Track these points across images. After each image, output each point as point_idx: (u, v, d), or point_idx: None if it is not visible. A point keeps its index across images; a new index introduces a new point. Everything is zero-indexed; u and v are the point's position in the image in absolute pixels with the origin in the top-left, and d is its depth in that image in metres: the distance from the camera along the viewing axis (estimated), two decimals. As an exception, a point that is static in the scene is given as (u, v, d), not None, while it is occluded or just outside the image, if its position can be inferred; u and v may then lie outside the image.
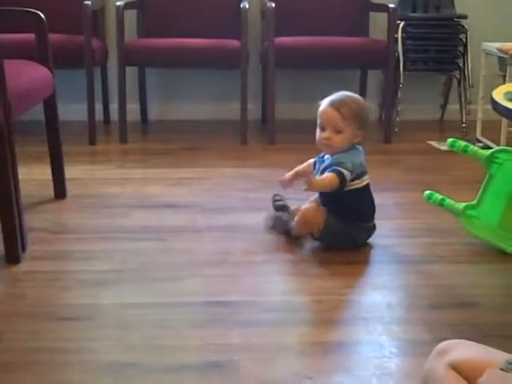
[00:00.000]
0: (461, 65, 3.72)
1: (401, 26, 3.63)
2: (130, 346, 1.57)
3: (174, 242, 2.18)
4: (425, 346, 1.51)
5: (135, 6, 3.72)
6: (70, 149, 2.89)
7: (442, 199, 2.18)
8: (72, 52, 3.37)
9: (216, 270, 1.97)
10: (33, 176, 2.75)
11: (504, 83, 3.14)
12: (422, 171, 3.02)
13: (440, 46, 3.73)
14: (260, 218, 2.29)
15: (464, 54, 3.70)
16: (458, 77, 3.77)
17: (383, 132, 3.56)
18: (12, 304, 1.77)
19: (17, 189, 2.02)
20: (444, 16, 3.77)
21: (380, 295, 1.84)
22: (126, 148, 3.41)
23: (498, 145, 3.19)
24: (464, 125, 3.70)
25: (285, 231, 2.18)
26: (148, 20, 3.76)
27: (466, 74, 3.71)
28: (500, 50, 3.32)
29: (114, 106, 3.68)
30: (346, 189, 2.07)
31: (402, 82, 3.64)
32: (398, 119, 3.68)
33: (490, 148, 2.55)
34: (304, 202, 2.22)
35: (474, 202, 2.16)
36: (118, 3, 3.37)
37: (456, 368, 1.01)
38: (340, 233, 2.09)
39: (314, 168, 2.23)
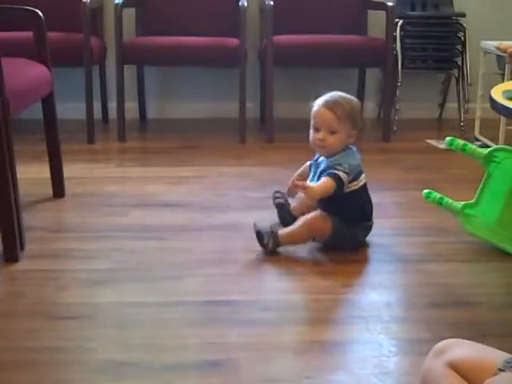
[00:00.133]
0: (459, 63, 3.73)
1: (399, 24, 3.63)
2: (129, 344, 1.57)
3: (173, 240, 2.18)
4: (423, 344, 1.51)
5: (134, 4, 3.71)
6: (68, 147, 2.89)
7: (441, 198, 2.19)
8: (70, 50, 3.37)
9: (215, 269, 1.97)
10: (31, 175, 2.74)
11: (502, 81, 3.14)
12: (421, 170, 3.02)
13: (438, 45, 3.73)
14: (259, 216, 2.29)
15: (462, 52, 3.70)
16: (457, 75, 3.77)
17: (381, 130, 3.56)
18: (10, 303, 1.77)
19: (15, 187, 2.02)
20: (442, 14, 3.77)
21: (379, 294, 1.84)
22: (125, 146, 3.41)
23: (497, 143, 3.18)
24: (462, 123, 3.70)
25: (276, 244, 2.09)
26: (146, 18, 3.76)
27: (465, 72, 3.71)
28: (498, 49, 3.32)
29: (112, 105, 3.68)
30: (346, 191, 2.06)
31: (400, 80, 3.64)
32: (396, 118, 3.68)
33: (489, 146, 2.56)
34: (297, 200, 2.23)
35: (473, 200, 2.16)
36: (116, 1, 3.37)
37: (454, 367, 1.01)
38: (345, 234, 2.09)
39: (310, 172, 2.22)
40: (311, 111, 2.13)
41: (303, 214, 2.25)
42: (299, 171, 2.29)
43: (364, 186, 2.13)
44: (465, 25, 3.68)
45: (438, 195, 2.19)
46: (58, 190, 2.57)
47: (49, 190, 2.56)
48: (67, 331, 1.62)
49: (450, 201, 2.18)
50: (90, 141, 3.42)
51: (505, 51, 3.25)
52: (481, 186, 2.16)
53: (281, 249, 2.08)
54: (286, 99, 3.81)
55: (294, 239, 2.09)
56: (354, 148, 2.15)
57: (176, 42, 3.42)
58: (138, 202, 2.54)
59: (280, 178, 2.32)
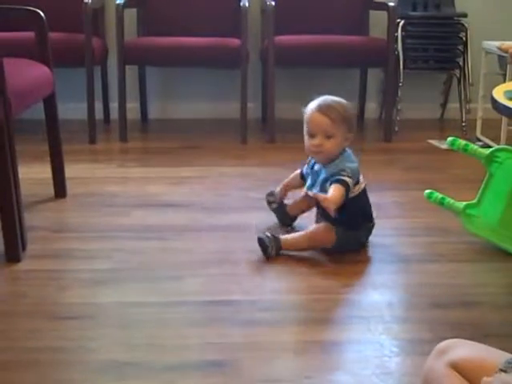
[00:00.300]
0: (461, 63, 3.72)
1: (401, 24, 3.63)
2: (130, 344, 1.57)
3: (174, 241, 2.18)
4: (425, 345, 1.51)
5: (135, 4, 3.72)
6: (70, 147, 2.90)
7: (443, 198, 2.19)
8: (72, 51, 3.37)
9: (217, 269, 1.97)
10: (33, 175, 2.75)
11: (504, 82, 3.15)
12: (422, 170, 3.02)
13: (440, 45, 3.73)
14: (260, 217, 2.29)
15: (464, 52, 3.70)
16: (458, 75, 3.77)
17: (383, 131, 3.56)
18: (12, 303, 1.77)
19: (17, 187, 2.02)
20: (444, 14, 3.77)
21: (380, 294, 1.84)
22: (126, 147, 3.41)
23: (498, 143, 3.18)
24: (464, 123, 3.70)
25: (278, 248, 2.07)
26: (148, 19, 3.76)
27: (466, 72, 3.71)
28: (500, 49, 3.32)
29: (114, 105, 3.68)
30: (349, 196, 2.03)
31: (401, 80, 3.64)
32: (398, 118, 3.68)
33: (490, 147, 2.56)
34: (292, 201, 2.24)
35: (475, 200, 2.16)
36: (118, 2, 3.37)
37: (456, 367, 1.01)
38: (349, 240, 2.07)
39: (304, 180, 2.19)
40: (304, 117, 2.09)
41: (302, 211, 2.27)
42: (289, 178, 2.28)
43: (364, 189, 2.11)
44: (466, 25, 3.68)
45: (440, 195, 2.19)
46: (60, 190, 2.57)
47: (50, 190, 2.56)
48: (69, 331, 1.62)
49: (452, 201, 2.18)
50: (92, 141, 3.42)
51: (506, 51, 3.25)
52: (482, 186, 2.16)
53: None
54: (287, 99, 3.81)
55: (295, 248, 2.07)
56: (350, 150, 2.12)
57: (177, 42, 3.42)
58: (140, 202, 2.54)
59: (281, 178, 2.32)
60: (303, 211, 2.28)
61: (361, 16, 3.81)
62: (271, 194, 2.32)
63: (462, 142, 2.15)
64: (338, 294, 1.84)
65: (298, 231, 2.15)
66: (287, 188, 2.29)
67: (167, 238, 2.19)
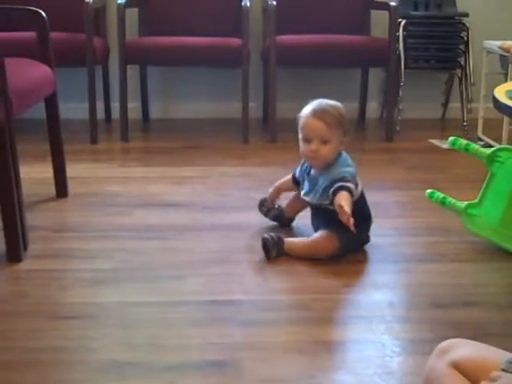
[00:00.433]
0: (462, 63, 3.72)
1: (402, 24, 3.63)
2: (131, 344, 1.57)
3: (175, 240, 2.18)
4: (427, 344, 1.51)
5: (136, 4, 3.72)
6: (71, 147, 2.90)
7: (444, 198, 2.18)
8: (73, 50, 3.37)
9: (218, 268, 1.97)
10: (34, 174, 2.75)
11: (506, 81, 3.14)
12: (424, 170, 3.02)
13: (441, 44, 3.73)
14: (261, 216, 2.29)
15: (465, 52, 3.70)
16: (460, 75, 3.77)
17: (385, 130, 3.56)
18: (14, 303, 1.77)
19: (18, 187, 2.02)
20: (445, 14, 3.77)
21: (381, 294, 1.84)
22: (128, 146, 3.41)
23: (500, 143, 3.18)
24: (465, 123, 3.70)
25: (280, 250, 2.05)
26: (149, 18, 3.76)
27: (468, 72, 3.71)
28: (501, 48, 3.32)
29: (115, 105, 3.68)
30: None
31: (403, 80, 3.64)
32: (399, 118, 3.68)
33: (492, 146, 2.56)
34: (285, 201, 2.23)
35: (476, 200, 2.16)
36: (119, 1, 3.37)
37: (457, 367, 1.01)
38: (352, 242, 2.06)
39: (297, 183, 2.17)
40: (299, 122, 2.06)
41: (298, 212, 2.26)
42: (283, 181, 2.26)
43: (362, 191, 2.09)
44: (468, 24, 3.68)
45: (441, 195, 2.19)
46: (61, 189, 2.57)
47: (52, 190, 2.56)
48: (70, 331, 1.62)
49: (453, 201, 2.18)
50: (93, 141, 3.42)
51: (508, 51, 3.25)
52: (484, 185, 2.15)
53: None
54: (288, 99, 3.80)
55: (296, 254, 2.04)
56: (346, 154, 2.09)
57: (179, 42, 3.42)
58: (141, 201, 2.54)
59: (283, 178, 2.32)
60: (299, 211, 2.27)
61: (362, 16, 3.81)
62: (262, 203, 2.29)
63: (464, 141, 2.15)
64: (339, 293, 1.84)
65: (296, 231, 2.14)
66: (279, 190, 2.26)
67: (168, 238, 2.19)
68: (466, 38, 3.69)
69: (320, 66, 3.69)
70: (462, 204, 2.16)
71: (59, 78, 2.48)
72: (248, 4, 3.41)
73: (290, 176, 2.24)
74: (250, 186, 2.72)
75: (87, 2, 3.30)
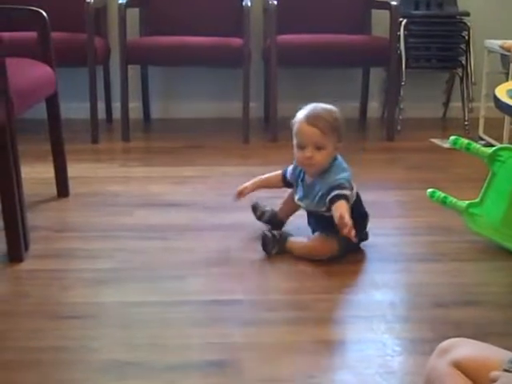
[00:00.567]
0: (463, 62, 3.72)
1: (403, 23, 3.62)
2: (132, 344, 1.57)
3: (176, 240, 2.18)
4: (428, 344, 1.51)
5: (137, 4, 3.72)
6: (72, 147, 2.90)
7: (445, 197, 2.18)
8: (74, 50, 3.37)
9: (219, 268, 1.97)
10: (35, 174, 2.75)
11: (507, 81, 3.14)
12: (425, 169, 3.01)
13: (442, 44, 3.72)
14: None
15: (466, 51, 3.70)
16: (461, 74, 3.76)
17: (386, 130, 3.56)
18: (15, 303, 1.77)
19: (19, 187, 2.02)
20: (446, 13, 3.77)
21: (382, 293, 1.84)
22: (129, 146, 3.41)
23: (501, 142, 3.18)
24: (466, 122, 3.70)
25: (280, 247, 2.06)
26: (150, 18, 3.76)
27: (469, 71, 3.71)
28: (502, 48, 3.32)
29: (116, 105, 3.69)
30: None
31: (404, 79, 3.63)
32: (400, 117, 3.68)
33: (493, 146, 2.55)
34: (279, 200, 2.21)
35: (477, 199, 2.16)
36: (120, 1, 3.37)
37: (458, 366, 1.01)
38: (351, 243, 2.03)
39: (287, 185, 2.15)
40: (293, 128, 2.03)
41: (291, 214, 2.22)
42: (265, 178, 2.20)
43: (357, 193, 2.06)
44: (469, 24, 3.67)
45: (442, 194, 2.19)
46: (62, 189, 2.57)
47: (53, 190, 2.57)
48: (71, 331, 1.62)
49: (455, 200, 2.18)
50: (94, 141, 3.42)
51: (509, 50, 3.24)
52: (485, 185, 2.15)
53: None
54: (289, 99, 3.79)
55: (297, 254, 2.04)
56: (340, 157, 2.06)
57: (180, 42, 3.42)
58: (142, 201, 2.54)
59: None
60: (291, 214, 2.24)
61: (363, 15, 3.81)
62: (255, 207, 2.24)
63: (465, 140, 2.15)
64: (340, 293, 1.84)
65: (296, 231, 2.14)
66: (259, 187, 2.20)
67: (169, 238, 2.19)
68: (467, 37, 3.68)
69: (321, 65, 3.69)
70: (463, 203, 2.16)
71: (60, 77, 2.48)
72: (249, 4, 3.41)
73: (277, 173, 2.20)
74: (251, 186, 2.72)
75: (88, 2, 3.30)
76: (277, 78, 3.45)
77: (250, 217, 2.32)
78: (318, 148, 2.00)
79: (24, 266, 1.97)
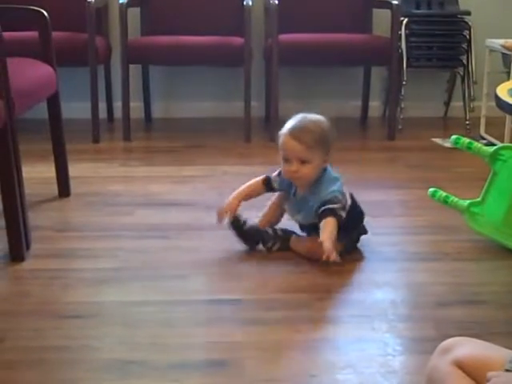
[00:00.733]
0: (464, 61, 3.72)
1: (404, 22, 3.62)
2: (134, 343, 1.57)
3: (177, 240, 2.18)
4: (429, 343, 1.50)
5: (138, 3, 3.72)
6: (73, 147, 2.90)
7: (447, 196, 2.18)
8: (75, 50, 3.37)
9: (220, 268, 1.98)
10: (37, 174, 2.75)
11: (508, 80, 3.14)
12: (426, 168, 3.01)
13: (444, 43, 3.72)
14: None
15: (468, 50, 3.69)
16: (462, 73, 3.76)
17: (387, 129, 3.55)
18: (16, 302, 1.77)
19: (21, 187, 2.02)
20: (448, 13, 3.76)
21: (384, 293, 1.84)
22: (130, 146, 3.41)
23: (502, 142, 3.18)
24: (468, 122, 3.69)
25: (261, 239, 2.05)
26: (151, 18, 3.76)
27: (470, 70, 3.70)
28: (504, 47, 3.31)
29: (117, 104, 3.68)
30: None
31: (405, 78, 3.63)
32: (401, 116, 3.67)
33: (494, 145, 2.55)
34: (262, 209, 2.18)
35: (479, 199, 2.16)
36: (121, 1, 3.37)
37: (460, 365, 1.01)
38: (350, 243, 2.06)
39: (270, 190, 2.11)
40: (279, 140, 1.99)
41: (271, 224, 2.14)
42: (247, 189, 2.10)
43: (351, 195, 2.04)
44: (470, 23, 3.67)
45: (444, 193, 2.19)
46: (64, 189, 2.57)
47: (54, 190, 2.57)
48: (73, 330, 1.62)
49: (456, 199, 2.18)
50: (95, 140, 3.42)
51: (510, 49, 3.24)
52: (486, 184, 2.15)
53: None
54: (291, 98, 3.80)
55: (299, 253, 2.04)
56: (329, 167, 2.02)
57: (181, 41, 3.42)
58: (143, 201, 2.54)
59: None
60: (272, 224, 2.15)
61: (364, 14, 3.81)
62: (237, 219, 2.08)
63: (466, 140, 2.15)
64: (340, 292, 1.84)
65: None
66: (244, 198, 2.10)
67: (170, 237, 2.19)
68: (468, 36, 3.68)
69: (322, 64, 3.69)
70: (465, 202, 2.16)
71: (61, 77, 2.48)
72: (250, 3, 3.41)
73: (257, 180, 2.13)
74: (252, 185, 2.72)
75: (89, 2, 3.30)
76: (278, 77, 3.45)
77: (251, 216, 2.31)
78: (303, 162, 1.95)
79: (25, 266, 1.97)
